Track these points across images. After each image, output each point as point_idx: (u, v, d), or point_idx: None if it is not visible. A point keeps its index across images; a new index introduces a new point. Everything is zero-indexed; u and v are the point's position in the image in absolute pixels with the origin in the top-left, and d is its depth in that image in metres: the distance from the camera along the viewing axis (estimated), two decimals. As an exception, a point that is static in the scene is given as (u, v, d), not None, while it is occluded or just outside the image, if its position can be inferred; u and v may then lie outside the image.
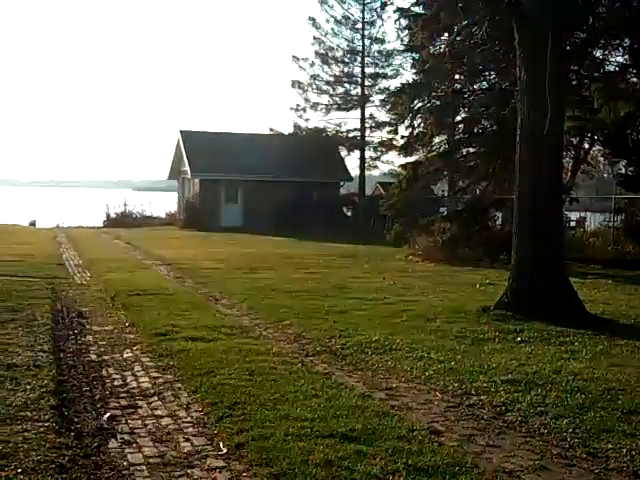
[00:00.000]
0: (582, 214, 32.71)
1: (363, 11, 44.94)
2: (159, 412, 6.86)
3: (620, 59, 23.12)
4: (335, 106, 45.80)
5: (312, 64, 45.50)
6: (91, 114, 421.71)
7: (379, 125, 45.16)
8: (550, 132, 12.06)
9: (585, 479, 5.42)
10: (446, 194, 32.17)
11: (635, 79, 23.39)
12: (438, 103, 26.42)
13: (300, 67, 45.51)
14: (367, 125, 45.61)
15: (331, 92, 45.92)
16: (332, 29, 45.28)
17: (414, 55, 31.13)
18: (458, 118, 27.44)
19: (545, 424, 6.55)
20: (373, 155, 46.35)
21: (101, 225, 45.69)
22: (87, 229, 42.65)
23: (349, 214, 45.41)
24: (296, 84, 45.43)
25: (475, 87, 26.74)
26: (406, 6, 27.59)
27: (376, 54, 45.64)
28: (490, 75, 26.66)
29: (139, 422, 6.58)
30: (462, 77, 26.85)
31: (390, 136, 42.18)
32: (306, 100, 45.62)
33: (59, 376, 7.90)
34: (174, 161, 47.10)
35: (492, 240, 22.89)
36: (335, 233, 34.40)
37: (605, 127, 24.15)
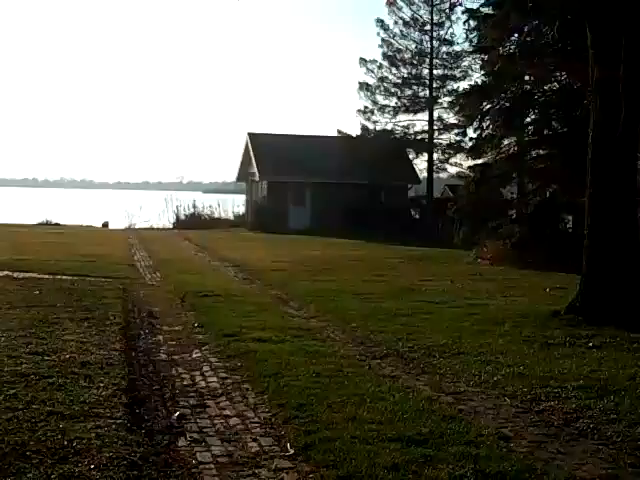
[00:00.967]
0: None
1: (432, 12, 44.65)
2: (227, 412, 6.94)
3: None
4: (403, 108, 45.57)
5: (380, 66, 45.39)
6: (163, 116, 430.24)
7: (447, 127, 44.80)
8: (624, 133, 11.80)
9: (659, 489, 5.30)
10: (515, 197, 31.72)
11: None
12: (507, 105, 26.11)
13: (368, 69, 45.43)
14: (435, 127, 45.28)
15: (399, 94, 45.70)
16: (400, 31, 45.11)
17: (483, 56, 30.78)
18: (528, 120, 27.06)
19: (618, 432, 6.40)
20: (441, 157, 45.98)
21: (171, 227, 46.37)
22: (157, 230, 43.36)
23: (417, 217, 45.14)
24: (364, 86, 45.36)
25: (545, 88, 26.32)
26: (475, 7, 27.33)
27: (444, 56, 45.30)
28: (561, 76, 26.19)
29: (208, 421, 6.67)
30: (532, 78, 26.48)
31: (458, 138, 41.86)
32: (374, 102, 45.51)
33: (130, 375, 8.05)
34: (242, 163, 47.47)
35: (562, 243, 22.49)
36: (402, 236, 34.22)
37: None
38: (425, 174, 45.89)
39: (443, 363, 8.94)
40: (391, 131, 45.50)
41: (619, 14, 12.07)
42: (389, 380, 8.04)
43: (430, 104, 45.13)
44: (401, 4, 44.77)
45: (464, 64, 44.46)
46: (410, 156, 46.05)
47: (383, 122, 45.61)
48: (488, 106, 26.27)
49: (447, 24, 44.71)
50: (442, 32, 44.86)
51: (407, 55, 45.45)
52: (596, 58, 12.51)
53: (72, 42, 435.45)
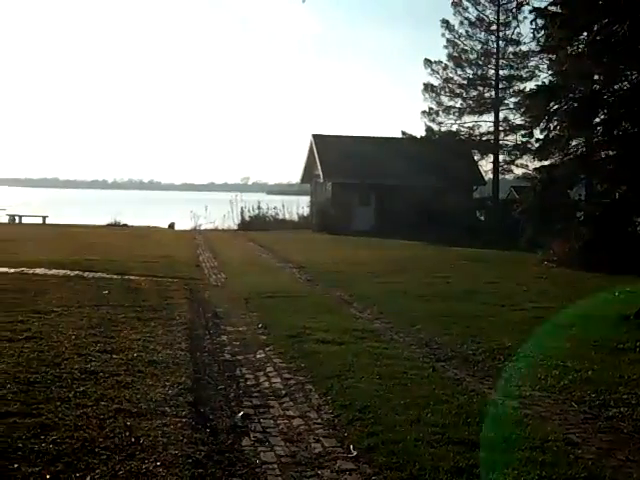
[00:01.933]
0: None
1: (498, 12, 44.15)
2: (290, 412, 6.97)
3: None
4: (468, 109, 45.18)
5: (445, 67, 45.09)
6: (230, 117, 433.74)
7: (513, 128, 44.22)
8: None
9: None
10: (583, 198, 31.14)
11: None
12: (575, 105, 25.63)
13: (432, 70, 45.16)
14: (501, 128, 44.75)
15: (464, 95, 45.33)
16: (466, 31, 44.72)
17: (550, 56, 30.29)
18: (596, 120, 26.51)
19: (690, 440, 6.24)
20: (507, 159, 45.40)
21: (235, 228, 46.79)
22: (222, 231, 43.79)
23: (482, 218, 44.66)
24: (428, 87, 45.09)
25: (615, 87, 25.76)
26: (543, 5, 26.90)
27: (511, 56, 44.73)
28: (632, 75, 25.60)
29: (271, 421, 6.71)
30: (601, 77, 25.94)
31: (525, 139, 41.25)
32: (439, 103, 45.21)
33: (195, 374, 8.15)
34: (307, 165, 47.64)
35: (632, 246, 22.00)
36: (467, 237, 33.90)
37: None
38: (490, 175, 45.43)
39: (508, 366, 8.84)
40: (456, 132, 45.15)
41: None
42: (453, 383, 7.99)
43: (496, 105, 44.64)
44: (467, 4, 44.42)
45: (531, 64, 43.89)
46: (475, 157, 45.66)
47: (448, 123, 45.30)
48: (555, 106, 25.80)
49: (514, 24, 44.10)
50: (508, 32, 44.30)
51: (472, 56, 45.06)
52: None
53: (149, 45, 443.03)
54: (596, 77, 26.12)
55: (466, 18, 44.55)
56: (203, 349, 9.74)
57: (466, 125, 45.36)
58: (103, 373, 7.72)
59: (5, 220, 43.44)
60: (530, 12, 28.57)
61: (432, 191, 41.08)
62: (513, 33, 44.40)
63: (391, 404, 6.95)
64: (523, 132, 40.89)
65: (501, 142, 44.98)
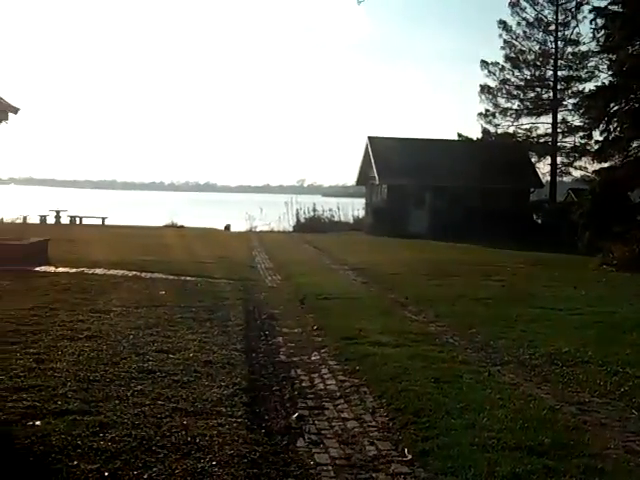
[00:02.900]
0: None
1: (557, 12, 43.64)
2: (345, 415, 6.97)
3: None
4: (525, 111, 44.76)
5: (502, 68, 44.73)
6: (287, 120, 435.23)
7: (572, 130, 43.66)
8: None
9: None
10: (644, 201, 30.54)
11: None
12: (637, 105, 25.19)
13: (489, 72, 44.86)
14: (559, 130, 44.21)
15: (521, 97, 44.92)
16: (524, 32, 44.34)
17: (611, 56, 29.82)
18: (659, 121, 26.00)
19: None
20: (565, 161, 44.85)
21: (291, 229, 47.00)
22: (278, 233, 44.00)
23: (539, 221, 44.10)
24: (485, 89, 44.81)
25: (678, 88, 25.24)
26: (603, 5, 26.51)
27: (570, 56, 44.19)
28: (695, 75, 25.07)
29: (326, 423, 6.71)
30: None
31: (583, 141, 40.72)
32: (495, 105, 44.88)
33: (251, 375, 8.21)
34: (362, 167, 47.59)
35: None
36: (524, 240, 33.53)
37: None
38: (548, 178, 44.87)
39: (566, 372, 8.71)
40: (513, 134, 44.75)
41: None
42: (509, 388, 7.89)
43: (554, 106, 44.10)
44: (525, 4, 44.05)
45: (590, 64, 43.31)
46: (533, 159, 45.10)
47: (505, 125, 44.96)
48: (615, 107, 25.44)
49: (573, 24, 43.61)
50: (567, 32, 43.83)
51: (530, 56, 44.62)
52: None
53: (210, 48, 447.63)
54: (658, 77, 25.60)
55: (524, 18, 44.20)
56: (258, 350, 9.79)
57: (523, 127, 44.98)
58: (160, 372, 7.83)
59: (66, 221, 44.29)
60: (590, 12, 28.33)
61: (488, 193, 40.72)
62: (572, 33, 43.92)
63: (446, 408, 6.90)
64: (582, 134, 40.46)
65: (559, 144, 44.42)
